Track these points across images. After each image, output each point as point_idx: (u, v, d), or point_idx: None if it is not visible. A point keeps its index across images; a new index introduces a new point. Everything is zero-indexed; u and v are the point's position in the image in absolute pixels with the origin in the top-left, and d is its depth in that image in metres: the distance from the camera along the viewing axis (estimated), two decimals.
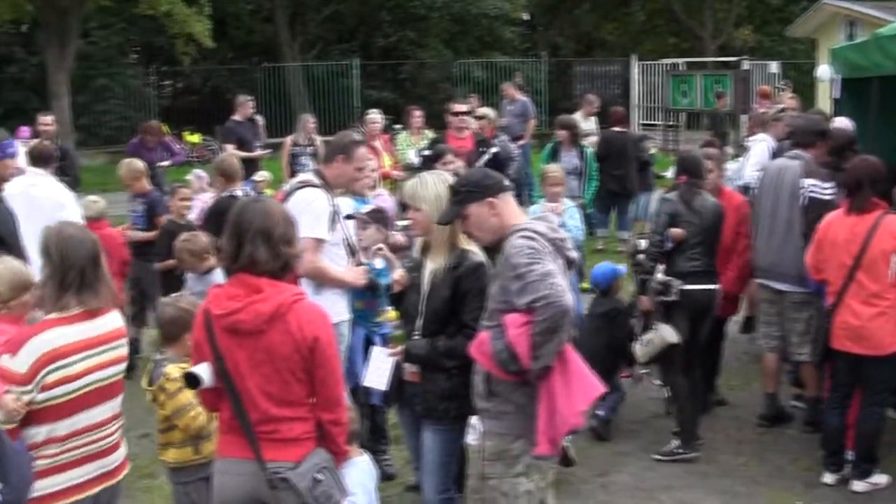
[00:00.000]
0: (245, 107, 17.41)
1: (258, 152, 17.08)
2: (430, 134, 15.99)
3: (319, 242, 7.14)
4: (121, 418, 5.49)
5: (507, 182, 5.90)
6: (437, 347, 6.04)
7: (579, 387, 5.36)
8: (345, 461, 5.39)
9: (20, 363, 4.95)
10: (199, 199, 12.15)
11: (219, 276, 8.86)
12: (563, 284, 5.23)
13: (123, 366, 5.45)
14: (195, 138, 28.79)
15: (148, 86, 35.11)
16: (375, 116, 15.89)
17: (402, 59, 37.30)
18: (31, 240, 8.51)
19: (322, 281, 7.23)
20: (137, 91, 34.53)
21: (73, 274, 5.16)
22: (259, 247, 4.91)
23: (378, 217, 8.15)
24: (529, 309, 5.21)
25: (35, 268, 8.42)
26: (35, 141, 13.67)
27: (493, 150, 13.70)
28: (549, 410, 5.30)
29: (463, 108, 14.91)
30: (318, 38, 37.93)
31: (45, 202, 10.08)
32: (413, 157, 14.04)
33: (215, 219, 9.29)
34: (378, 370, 6.43)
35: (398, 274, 6.57)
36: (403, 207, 7.24)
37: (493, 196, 5.62)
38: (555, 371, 5.31)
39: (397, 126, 18.44)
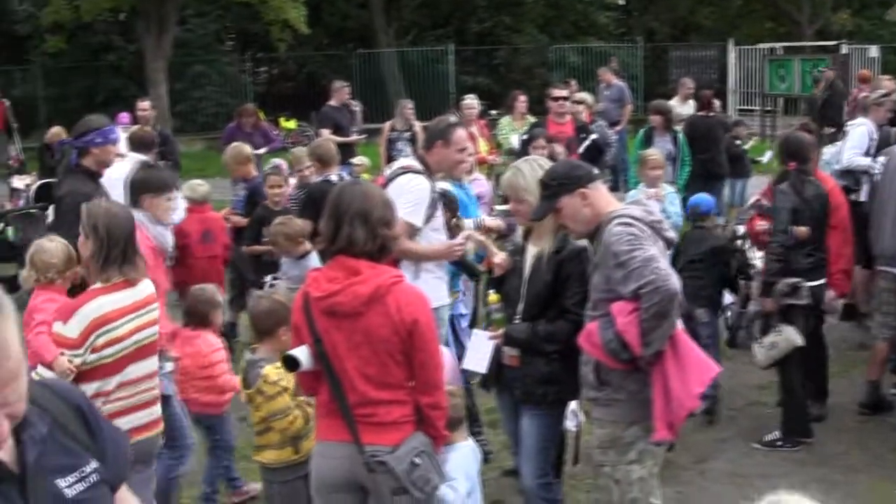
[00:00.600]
0: (341, 92, 17.47)
1: (354, 137, 17.12)
2: (531, 119, 15.92)
3: (412, 227, 7.08)
4: (157, 376, 5.93)
5: (595, 170, 5.83)
6: (537, 332, 5.99)
7: (694, 369, 5.28)
8: (444, 445, 5.35)
9: (71, 329, 5.46)
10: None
11: (314, 260, 8.87)
12: (666, 268, 5.16)
13: (157, 328, 5.87)
14: (291, 124, 28.83)
15: (244, 72, 35.40)
16: (472, 102, 15.85)
17: (497, 44, 37.19)
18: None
19: (413, 259, 7.17)
20: (233, 78, 34.84)
21: (116, 250, 5.65)
22: (357, 228, 4.89)
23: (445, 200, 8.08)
24: (636, 296, 5.14)
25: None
26: (135, 127, 13.81)
27: (593, 136, 13.59)
28: (664, 395, 5.23)
29: (562, 93, 14.76)
30: (412, 24, 37.99)
31: None
32: (515, 143, 13.99)
33: (312, 204, 9.30)
34: (478, 353, 6.38)
35: (500, 257, 6.51)
36: (505, 198, 7.14)
37: (584, 186, 5.55)
38: (667, 355, 5.24)
39: (493, 112, 18.38)
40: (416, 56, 34.47)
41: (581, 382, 5.66)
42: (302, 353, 4.98)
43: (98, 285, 5.65)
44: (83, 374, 5.44)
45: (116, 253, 5.65)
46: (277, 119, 26.93)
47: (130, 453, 2.92)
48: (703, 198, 9.47)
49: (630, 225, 5.29)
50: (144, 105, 17.23)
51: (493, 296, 6.54)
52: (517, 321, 6.13)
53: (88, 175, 7.93)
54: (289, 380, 5.90)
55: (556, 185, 5.62)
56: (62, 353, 5.42)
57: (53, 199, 8.73)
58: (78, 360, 5.42)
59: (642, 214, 5.42)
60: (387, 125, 16.89)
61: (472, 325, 9.69)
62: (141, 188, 7.41)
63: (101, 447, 2.73)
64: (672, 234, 5.57)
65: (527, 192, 6.08)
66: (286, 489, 6.14)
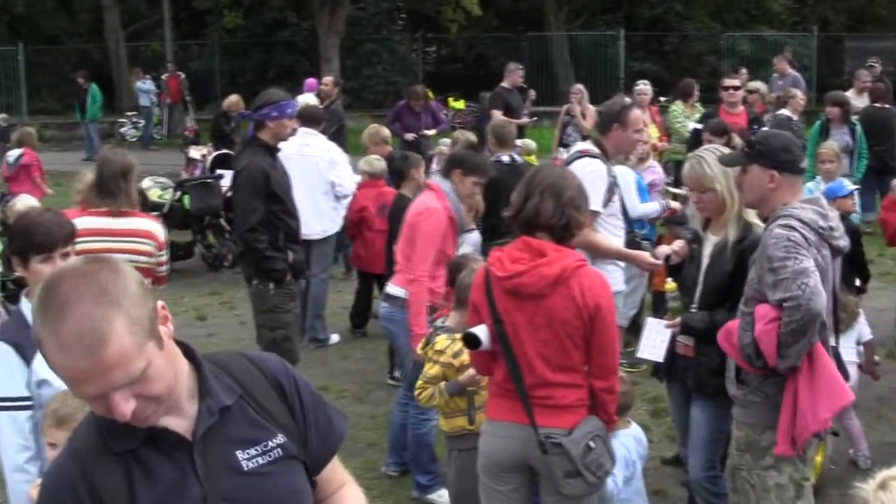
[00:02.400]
0: (514, 75, 17.48)
1: (525, 120, 17.14)
2: (700, 107, 15.72)
3: (594, 214, 7.05)
4: None
5: (802, 165, 5.66)
6: (715, 321, 5.87)
7: (826, 392, 5.06)
8: (612, 431, 5.35)
9: None
10: None
11: (474, 237, 8.87)
12: (815, 285, 4.91)
13: (143, 258, 6.64)
14: (459, 104, 29.07)
15: (414, 52, 35.70)
16: (645, 87, 15.76)
17: (667, 30, 36.71)
18: (303, 197, 8.80)
19: (595, 253, 7.10)
20: (403, 57, 35.17)
21: (102, 185, 6.73)
22: (547, 200, 4.92)
23: None
24: (780, 305, 5.02)
25: (306, 225, 8.73)
26: (302, 99, 14.06)
27: (765, 128, 13.34)
28: (791, 410, 5.06)
29: (735, 82, 14.52)
30: (583, 8, 37.75)
31: (318, 161, 10.42)
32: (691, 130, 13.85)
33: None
34: (654, 342, 6.34)
35: (677, 245, 6.45)
36: (676, 180, 7.07)
37: (778, 170, 5.38)
38: (802, 371, 5.05)
39: (662, 98, 18.20)
40: (585, 40, 34.27)
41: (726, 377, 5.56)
42: (482, 332, 5.02)
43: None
44: None
45: (101, 186, 6.75)
46: (446, 99, 27.17)
47: (344, 431, 2.94)
48: (837, 185, 9.22)
49: (792, 229, 5.07)
50: (327, 80, 17.50)
51: (670, 284, 6.48)
52: (693, 310, 6.07)
53: (265, 148, 8.08)
54: (450, 356, 6.00)
55: (757, 151, 5.42)
56: None
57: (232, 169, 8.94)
58: None
59: (812, 218, 5.15)
60: (563, 109, 16.93)
61: (639, 313, 9.70)
62: (455, 162, 7.54)
63: (301, 425, 2.76)
64: (843, 243, 5.29)
65: (712, 181, 5.97)
66: (459, 459, 6.20)
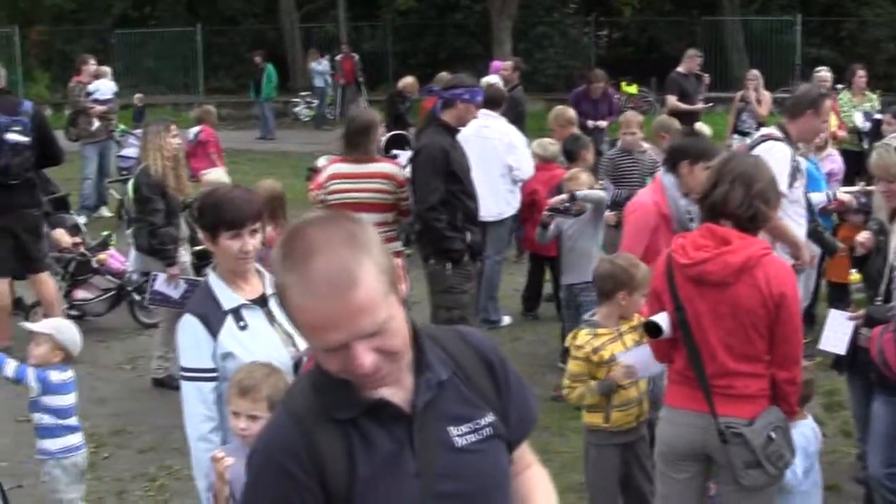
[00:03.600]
0: (692, 61, 17.24)
1: (700, 106, 16.93)
2: (872, 96, 15.30)
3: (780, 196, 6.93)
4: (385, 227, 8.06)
5: None
6: None
7: None
8: (792, 422, 5.28)
9: (322, 176, 8.78)
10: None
11: None
12: None
13: (385, 196, 8.24)
14: (632, 89, 28.83)
15: (586, 35, 35.51)
16: (825, 74, 15.41)
17: (845, 16, 35.73)
18: (480, 179, 8.87)
19: (779, 238, 7.02)
20: (575, 40, 35.02)
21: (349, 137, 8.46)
22: (736, 189, 4.85)
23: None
24: None
25: (482, 206, 8.79)
26: (485, 81, 14.09)
27: None
28: None
29: None
30: None
31: (497, 143, 10.48)
32: (859, 121, 13.47)
33: None
34: (836, 334, 6.23)
35: (863, 236, 6.33)
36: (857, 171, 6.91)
37: None
38: None
39: (838, 86, 17.76)
40: (760, 25, 33.57)
41: None
42: (663, 320, 5.00)
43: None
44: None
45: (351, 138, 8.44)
46: (619, 84, 26.97)
47: (538, 413, 2.92)
48: None
49: None
50: (507, 65, 17.52)
51: (854, 275, 6.36)
52: (878, 302, 5.95)
53: (446, 129, 8.21)
54: (588, 351, 5.97)
55: None
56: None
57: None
58: (321, 196, 8.59)
59: None
60: (737, 95, 16.73)
61: (813, 304, 9.51)
62: (680, 154, 6.90)
63: (505, 404, 2.74)
64: None
65: None
66: (593, 453, 6.19)
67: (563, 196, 8.41)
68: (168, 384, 9.25)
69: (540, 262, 11.16)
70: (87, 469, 6.92)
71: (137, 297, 10.56)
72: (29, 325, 6.53)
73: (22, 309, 10.85)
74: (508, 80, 16.27)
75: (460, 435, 2.61)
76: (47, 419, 6.21)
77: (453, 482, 2.58)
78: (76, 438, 6.32)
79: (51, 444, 6.21)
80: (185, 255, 9.82)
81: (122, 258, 11.00)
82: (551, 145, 10.93)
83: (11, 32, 34.44)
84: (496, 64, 18.33)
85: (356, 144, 8.40)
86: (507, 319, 11.07)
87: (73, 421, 6.31)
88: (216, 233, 4.58)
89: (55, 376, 6.16)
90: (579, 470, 7.19)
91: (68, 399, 6.27)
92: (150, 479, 7.59)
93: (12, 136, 9.67)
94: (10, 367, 6.11)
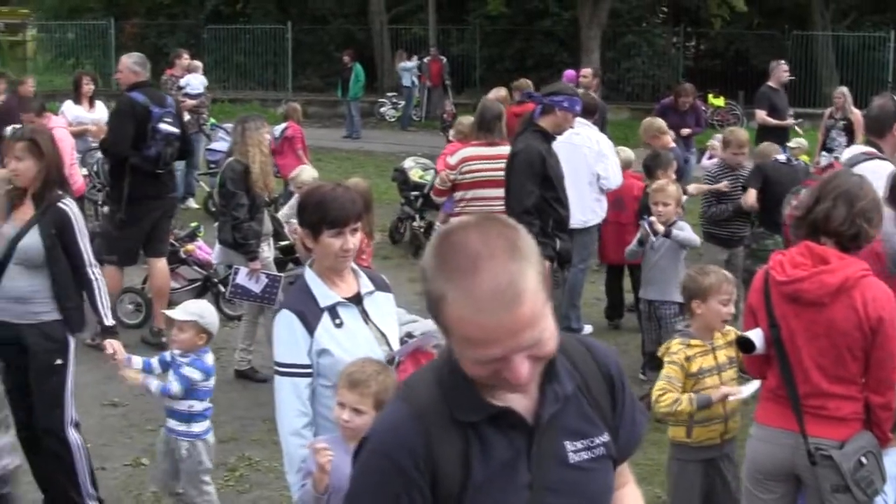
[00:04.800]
0: (779, 70, 16.99)
1: (790, 121, 16.73)
2: None
3: None
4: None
5: None
6: None
7: None
8: (885, 448, 5.20)
9: (453, 159, 9.87)
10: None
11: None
12: None
13: (501, 172, 8.89)
14: (719, 102, 28.64)
15: (674, 46, 35.30)
16: None
17: None
18: (568, 186, 8.90)
19: None
20: (662, 50, 34.83)
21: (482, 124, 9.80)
22: (839, 207, 4.79)
23: None
24: None
25: (571, 214, 8.80)
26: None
27: None
28: None
29: None
30: (851, 8, 36.41)
31: (586, 151, 10.47)
32: None
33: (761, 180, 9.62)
34: None
35: None
36: None
37: None
38: None
39: None
40: (852, 41, 33.03)
41: None
42: (756, 337, 4.96)
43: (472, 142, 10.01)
44: (456, 186, 9.78)
45: (487, 124, 9.75)
46: (705, 96, 26.79)
47: (643, 432, 2.87)
48: None
49: None
50: (586, 72, 17.49)
51: None
52: None
53: (543, 135, 8.26)
54: (682, 358, 5.91)
55: None
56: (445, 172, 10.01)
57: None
58: (452, 176, 9.74)
59: None
60: (826, 112, 16.51)
61: None
62: None
63: (618, 422, 2.70)
64: None
65: None
66: (675, 467, 6.15)
67: (660, 229, 8.45)
68: (250, 376, 9.40)
69: (616, 272, 11.20)
70: (156, 457, 7.11)
71: (222, 289, 10.69)
72: (168, 313, 6.67)
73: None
74: (588, 87, 16.22)
75: (575, 451, 2.57)
76: (198, 405, 6.37)
77: (561, 498, 2.54)
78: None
79: (198, 427, 6.37)
80: (267, 251, 9.94)
81: (208, 250, 11.14)
82: (622, 152, 11.02)
83: (107, 25, 35.09)
84: (569, 73, 18.29)
85: (488, 130, 9.74)
86: (588, 329, 11.03)
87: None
88: (318, 230, 4.58)
89: (203, 361, 6.38)
90: (657, 483, 7.18)
91: (212, 381, 6.49)
92: (229, 469, 7.67)
93: (165, 127, 10.12)
94: (154, 384, 6.33)
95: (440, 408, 2.49)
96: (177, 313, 6.47)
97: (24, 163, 6.36)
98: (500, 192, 8.94)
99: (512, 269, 2.28)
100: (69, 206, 6.49)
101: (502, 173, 8.97)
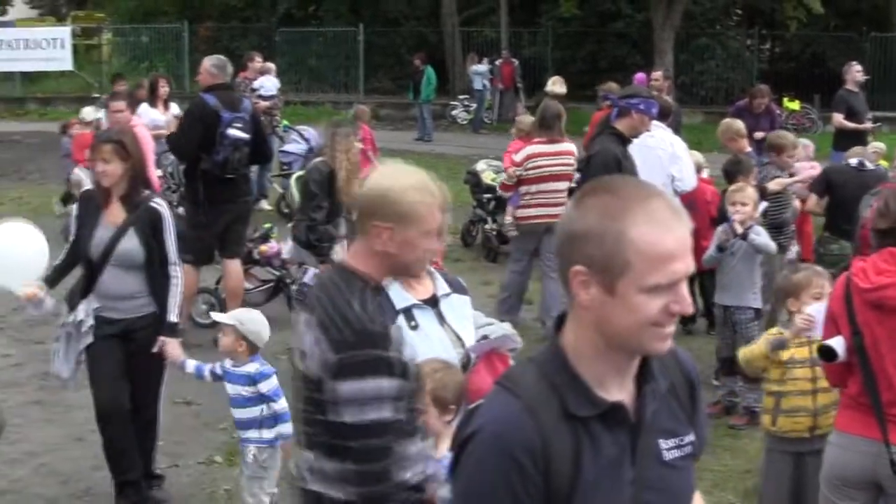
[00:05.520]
0: (852, 70, 16.75)
1: (868, 124, 16.47)
2: None
3: None
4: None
5: None
6: None
7: None
8: None
9: (518, 157, 10.54)
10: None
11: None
12: None
13: (568, 168, 10.29)
14: (794, 105, 28.27)
15: (749, 48, 34.98)
16: None
17: None
18: None
19: None
20: (737, 53, 34.54)
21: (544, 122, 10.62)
22: None
23: None
24: None
25: None
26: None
27: None
28: None
29: None
30: None
31: (660, 153, 10.41)
32: None
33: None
34: None
35: None
36: None
37: None
38: None
39: None
40: None
41: None
42: (838, 345, 4.89)
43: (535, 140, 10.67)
44: (521, 181, 10.45)
45: (546, 121, 10.59)
46: (780, 99, 26.49)
47: (709, 436, 2.90)
48: None
49: None
50: (657, 75, 17.37)
51: None
52: None
53: (619, 138, 8.26)
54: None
55: None
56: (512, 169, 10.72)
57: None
58: (518, 172, 10.44)
59: None
60: None
61: None
62: None
63: (696, 423, 2.72)
64: None
65: None
66: (765, 457, 6.14)
67: (738, 229, 8.37)
68: None
69: (688, 276, 11.05)
70: (229, 455, 7.35)
71: (294, 290, 10.74)
72: (216, 316, 6.73)
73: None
74: (659, 90, 16.08)
75: (668, 449, 2.60)
76: (238, 413, 6.40)
77: (657, 494, 2.56)
78: None
79: (250, 433, 6.36)
80: (340, 254, 9.94)
81: (281, 251, 11.19)
82: (692, 155, 10.97)
83: (181, 28, 35.41)
84: (640, 76, 18.17)
85: (549, 127, 10.55)
86: None
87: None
88: None
89: (240, 374, 6.37)
90: (729, 489, 7.15)
91: (266, 384, 6.38)
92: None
93: (233, 132, 10.16)
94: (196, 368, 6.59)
95: (551, 403, 2.48)
96: (220, 316, 6.58)
97: (111, 165, 6.53)
98: (563, 185, 10.24)
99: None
100: (160, 205, 6.73)
101: (564, 168, 10.30)
